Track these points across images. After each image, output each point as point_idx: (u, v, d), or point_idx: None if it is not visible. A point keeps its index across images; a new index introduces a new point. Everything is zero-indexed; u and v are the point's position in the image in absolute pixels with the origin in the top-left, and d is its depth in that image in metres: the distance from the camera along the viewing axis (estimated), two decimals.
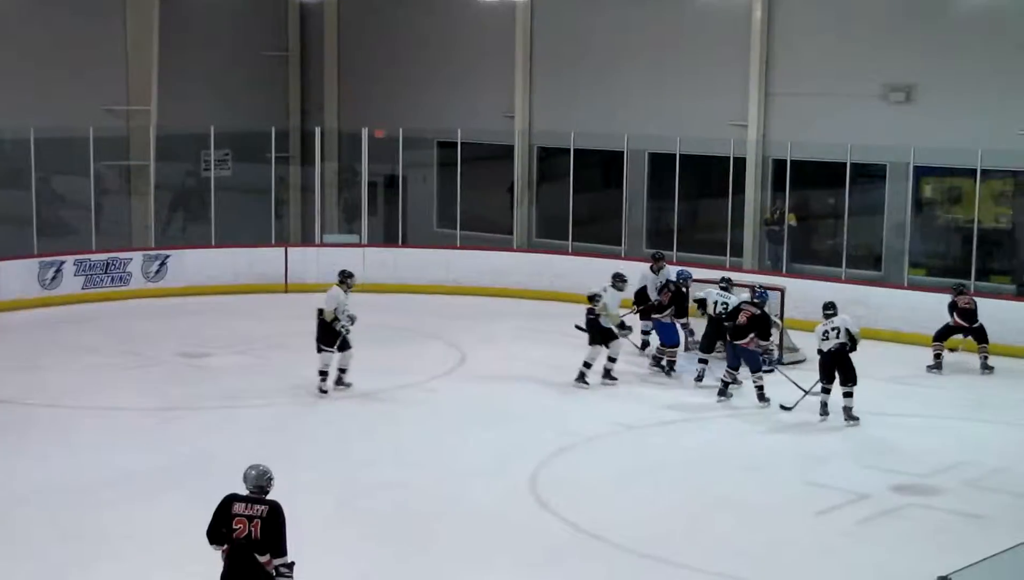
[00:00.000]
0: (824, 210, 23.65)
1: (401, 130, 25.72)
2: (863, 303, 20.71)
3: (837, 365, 16.02)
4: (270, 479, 8.87)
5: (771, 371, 17.35)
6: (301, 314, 22.56)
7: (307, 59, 29.82)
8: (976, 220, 21.19)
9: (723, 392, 16.88)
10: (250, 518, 8.67)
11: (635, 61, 25.08)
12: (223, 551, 8.78)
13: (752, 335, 16.53)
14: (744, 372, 16.89)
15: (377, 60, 28.47)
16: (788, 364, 18.55)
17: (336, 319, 16.58)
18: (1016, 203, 21.93)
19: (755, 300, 17.08)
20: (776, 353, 18.42)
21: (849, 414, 15.96)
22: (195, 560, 9.81)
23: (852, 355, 16.00)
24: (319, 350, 16.82)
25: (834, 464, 14.40)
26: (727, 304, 17.64)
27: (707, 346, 18.03)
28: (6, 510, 12.52)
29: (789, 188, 22.89)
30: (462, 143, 25.90)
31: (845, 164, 22.04)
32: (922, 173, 22.06)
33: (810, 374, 16.83)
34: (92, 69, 25.73)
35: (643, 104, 24.81)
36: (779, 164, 23.22)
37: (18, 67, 24.55)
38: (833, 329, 16.16)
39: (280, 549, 8.71)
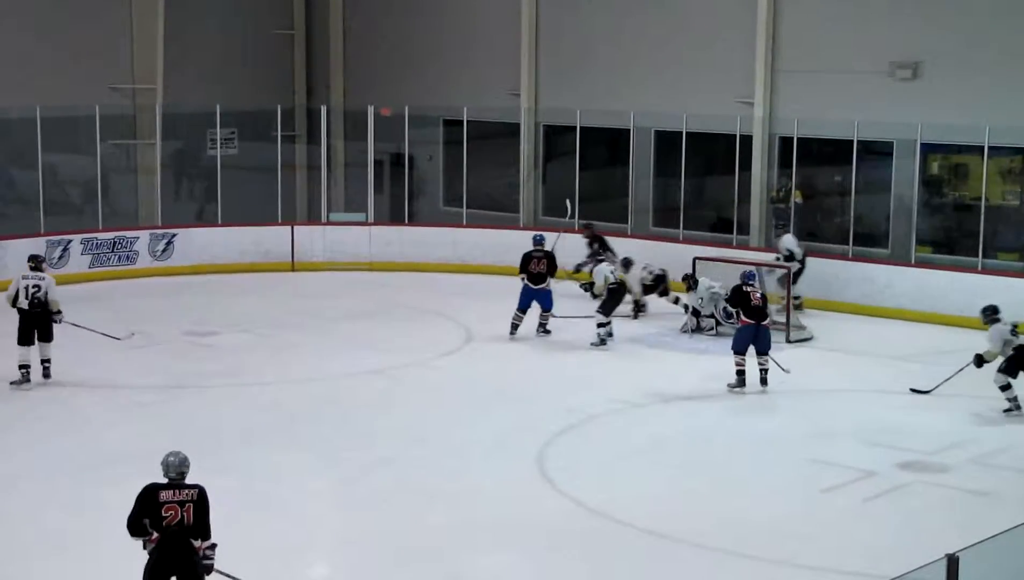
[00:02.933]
0: (831, 187, 23.58)
1: (407, 108, 25.67)
2: (870, 281, 20.68)
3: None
4: (189, 465, 8.76)
5: None
6: (307, 293, 22.79)
7: (313, 37, 29.73)
8: (984, 197, 21.11)
9: (742, 382, 16.19)
10: (182, 503, 8.53)
11: (641, 38, 24.96)
12: (150, 540, 8.55)
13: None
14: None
15: (383, 38, 28.39)
16: (795, 342, 18.55)
17: (59, 311, 16.04)
18: None
19: (750, 281, 16.67)
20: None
21: None
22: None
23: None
24: (28, 344, 15.93)
25: (840, 442, 14.32)
26: (615, 273, 19.02)
27: (608, 311, 18.73)
28: (8, 484, 12.57)
29: (796, 165, 22.81)
30: (468, 121, 25.85)
31: (852, 141, 21.97)
32: (929, 150, 21.98)
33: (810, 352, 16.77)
34: (98, 48, 25.67)
35: (649, 81, 24.70)
36: (786, 141, 23.14)
37: (23, 46, 24.51)
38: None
39: (208, 531, 8.62)
